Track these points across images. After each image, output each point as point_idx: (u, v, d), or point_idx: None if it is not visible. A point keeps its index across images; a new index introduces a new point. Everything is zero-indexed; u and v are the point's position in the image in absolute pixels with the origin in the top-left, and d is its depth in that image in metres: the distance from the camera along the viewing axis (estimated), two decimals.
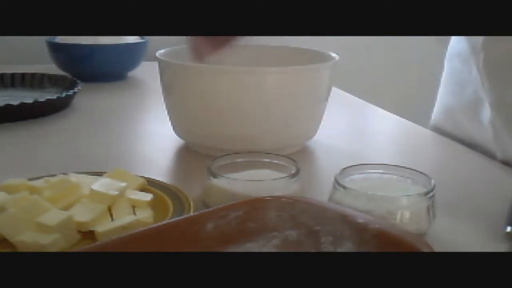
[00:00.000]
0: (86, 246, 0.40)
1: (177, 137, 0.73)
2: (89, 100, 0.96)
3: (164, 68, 0.70)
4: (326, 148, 0.75)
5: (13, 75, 1.01)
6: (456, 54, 0.80)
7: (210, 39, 0.65)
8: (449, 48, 0.83)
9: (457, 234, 0.52)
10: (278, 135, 0.68)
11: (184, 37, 0.70)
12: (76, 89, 0.92)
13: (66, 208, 0.50)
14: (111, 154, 0.72)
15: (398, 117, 0.92)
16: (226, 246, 0.42)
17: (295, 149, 0.72)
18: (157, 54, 0.71)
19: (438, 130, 0.85)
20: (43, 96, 0.87)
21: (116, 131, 0.82)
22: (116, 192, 0.51)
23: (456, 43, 0.81)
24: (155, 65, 0.72)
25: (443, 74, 0.85)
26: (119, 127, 0.84)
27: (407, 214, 0.49)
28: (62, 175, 0.54)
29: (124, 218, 0.49)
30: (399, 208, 0.49)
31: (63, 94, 0.89)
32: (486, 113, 0.74)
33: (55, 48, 1.10)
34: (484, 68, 0.71)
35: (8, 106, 0.82)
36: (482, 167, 0.71)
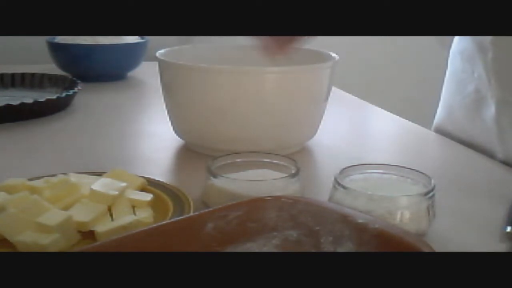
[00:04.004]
0: (86, 246, 0.40)
1: (177, 137, 0.73)
2: (89, 100, 0.96)
3: (164, 68, 0.70)
4: (326, 148, 0.75)
5: (13, 75, 1.01)
6: (459, 52, 0.80)
7: (278, 39, 0.65)
8: (452, 46, 0.84)
9: (457, 234, 0.52)
10: (278, 135, 0.68)
11: (184, 37, 0.70)
12: (76, 89, 0.92)
13: (66, 208, 0.50)
14: (111, 154, 0.72)
15: (398, 117, 0.92)
16: (226, 246, 0.42)
17: (295, 149, 0.72)
18: (157, 54, 0.71)
19: (440, 130, 0.85)
20: (43, 96, 0.87)
21: (116, 131, 0.82)
22: (116, 192, 0.51)
23: (459, 41, 0.81)
24: (155, 65, 0.72)
25: (446, 73, 0.85)
26: (119, 127, 0.84)
27: (407, 214, 0.49)
28: (62, 175, 0.54)
29: (124, 218, 0.49)
30: (399, 208, 0.49)
31: (63, 94, 0.89)
32: (489, 111, 0.74)
33: (55, 48, 1.10)
34: (493, 65, 0.71)
35: (8, 106, 0.82)
36: (482, 167, 0.71)
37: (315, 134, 0.74)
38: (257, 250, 0.42)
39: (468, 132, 0.78)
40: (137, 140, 0.81)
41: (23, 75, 1.02)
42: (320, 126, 0.74)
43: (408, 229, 0.45)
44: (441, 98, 0.87)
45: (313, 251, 0.42)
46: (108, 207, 0.50)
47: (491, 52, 0.71)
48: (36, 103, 0.84)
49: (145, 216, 0.50)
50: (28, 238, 0.45)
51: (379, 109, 0.97)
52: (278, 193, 0.49)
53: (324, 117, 0.74)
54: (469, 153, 0.75)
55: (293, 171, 0.55)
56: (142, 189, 0.55)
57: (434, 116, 0.88)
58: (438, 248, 0.39)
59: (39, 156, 0.71)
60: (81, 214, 0.48)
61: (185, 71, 0.67)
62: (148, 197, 0.53)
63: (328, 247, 0.42)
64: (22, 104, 0.83)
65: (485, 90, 0.74)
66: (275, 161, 0.58)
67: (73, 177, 0.54)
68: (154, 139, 0.80)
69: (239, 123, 0.67)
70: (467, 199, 0.60)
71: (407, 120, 0.90)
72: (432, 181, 0.51)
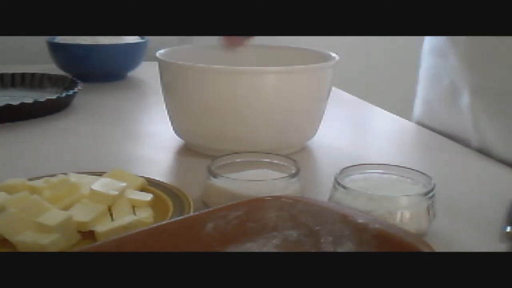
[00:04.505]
0: (86, 246, 0.40)
1: (177, 137, 0.73)
2: (89, 100, 0.96)
3: (164, 68, 0.70)
4: (326, 148, 0.75)
5: (13, 75, 1.01)
6: (430, 49, 0.85)
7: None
8: (423, 46, 0.88)
9: (457, 234, 0.52)
10: (278, 135, 0.68)
11: (184, 37, 0.70)
12: (76, 89, 0.92)
13: (66, 208, 0.50)
14: (111, 154, 0.72)
15: (398, 117, 0.92)
16: (226, 246, 0.42)
17: (295, 149, 0.72)
18: (157, 54, 0.71)
19: (420, 123, 0.88)
20: (43, 96, 0.87)
21: (116, 131, 0.82)
22: (116, 192, 0.51)
23: (429, 40, 0.86)
24: (155, 65, 0.72)
25: (420, 71, 0.90)
26: (119, 127, 0.84)
27: (407, 214, 0.49)
28: (62, 175, 0.54)
29: (124, 218, 0.49)
30: (399, 208, 0.49)
31: (63, 94, 0.89)
32: (465, 100, 0.77)
33: (55, 48, 1.10)
34: (466, 54, 0.75)
35: (8, 106, 0.82)
36: (483, 167, 0.71)
37: (315, 134, 0.74)
38: (257, 250, 0.42)
39: (446, 125, 0.82)
40: (137, 140, 0.81)
41: (23, 75, 1.02)
42: (320, 126, 0.74)
43: (408, 229, 0.45)
44: (417, 94, 0.91)
45: (313, 251, 0.42)
46: (108, 207, 0.50)
47: (464, 43, 0.75)
48: (36, 103, 0.84)
49: (145, 216, 0.50)
50: (28, 238, 0.45)
51: (379, 109, 0.97)
52: (278, 193, 0.49)
53: (324, 117, 0.74)
54: (470, 153, 0.75)
55: (293, 171, 0.55)
56: (142, 189, 0.55)
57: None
58: (438, 248, 0.39)
59: (39, 156, 0.71)
60: (81, 214, 0.48)
61: (184, 71, 0.67)
62: (148, 197, 0.53)
63: (328, 247, 0.42)
64: (22, 104, 0.83)
65: (459, 81, 0.77)
66: (275, 161, 0.58)
67: (73, 177, 0.54)
68: (154, 139, 0.80)
69: (239, 123, 0.67)
70: (467, 199, 0.60)
71: (407, 120, 0.90)
72: (432, 181, 0.51)
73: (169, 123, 0.74)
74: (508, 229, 0.50)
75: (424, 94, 0.89)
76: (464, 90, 0.77)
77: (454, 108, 0.80)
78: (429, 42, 0.86)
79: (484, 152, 0.75)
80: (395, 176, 0.54)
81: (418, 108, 0.91)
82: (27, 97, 0.88)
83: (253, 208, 0.45)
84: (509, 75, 0.71)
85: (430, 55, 0.86)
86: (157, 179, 0.57)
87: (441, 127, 0.84)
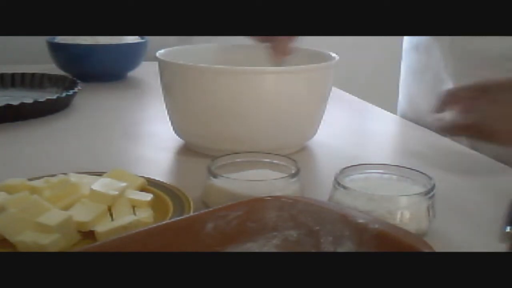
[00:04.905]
0: (86, 246, 0.40)
1: (177, 137, 0.73)
2: (89, 100, 0.96)
3: (164, 68, 0.70)
4: (326, 148, 0.75)
5: (13, 75, 1.01)
6: (413, 47, 0.89)
7: (282, 39, 0.71)
8: (404, 45, 0.93)
9: (457, 234, 0.52)
10: (278, 135, 0.68)
11: (184, 37, 0.70)
12: (76, 89, 0.92)
13: (66, 208, 0.50)
14: (111, 154, 0.72)
15: (398, 117, 0.92)
16: (226, 246, 0.42)
17: (295, 149, 0.72)
18: (157, 54, 0.71)
19: (404, 118, 0.91)
20: (43, 96, 0.87)
21: (116, 131, 0.82)
22: (116, 192, 0.51)
23: (411, 38, 0.91)
24: (155, 65, 0.72)
25: (402, 69, 0.94)
26: (119, 127, 0.84)
27: (407, 214, 0.49)
28: (62, 175, 0.54)
29: (124, 218, 0.49)
30: (399, 208, 0.49)
31: (63, 94, 0.89)
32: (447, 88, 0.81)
33: (55, 48, 1.10)
34: (450, 48, 0.80)
35: (8, 106, 0.82)
36: (483, 167, 0.71)
37: (315, 134, 0.74)
38: (257, 250, 0.42)
39: (426, 116, 0.85)
40: (137, 140, 0.81)
41: (23, 75, 1.02)
42: (320, 126, 0.74)
43: (408, 229, 0.45)
44: (400, 91, 0.95)
45: (313, 251, 0.42)
46: (108, 207, 0.50)
47: (447, 37, 0.80)
48: (36, 103, 0.84)
49: (145, 216, 0.50)
50: (28, 238, 0.45)
51: (379, 109, 0.97)
52: (278, 193, 0.49)
53: (324, 117, 0.74)
54: (470, 153, 0.75)
55: (293, 171, 0.55)
56: (142, 189, 0.55)
57: None
58: (438, 248, 0.39)
59: (39, 156, 0.71)
60: (81, 214, 0.48)
61: (185, 71, 0.67)
62: (148, 197, 0.53)
63: (328, 247, 0.42)
64: (22, 104, 0.83)
65: (443, 72, 0.81)
66: (275, 161, 0.58)
67: (73, 177, 0.54)
68: (154, 139, 0.80)
69: (239, 123, 0.67)
70: (467, 199, 0.60)
71: (406, 120, 0.90)
72: (432, 181, 0.51)
73: (169, 123, 0.74)
74: (508, 229, 0.50)
75: (407, 90, 0.92)
76: (448, 79, 0.80)
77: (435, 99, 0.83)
78: (411, 40, 0.90)
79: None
80: (395, 176, 0.54)
81: (401, 104, 0.95)
82: (27, 97, 0.88)
83: (253, 208, 0.45)
84: (489, 61, 0.75)
85: (413, 52, 0.89)
86: (157, 179, 0.57)
87: (421, 119, 0.86)
